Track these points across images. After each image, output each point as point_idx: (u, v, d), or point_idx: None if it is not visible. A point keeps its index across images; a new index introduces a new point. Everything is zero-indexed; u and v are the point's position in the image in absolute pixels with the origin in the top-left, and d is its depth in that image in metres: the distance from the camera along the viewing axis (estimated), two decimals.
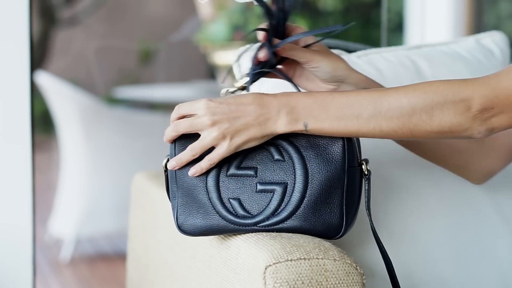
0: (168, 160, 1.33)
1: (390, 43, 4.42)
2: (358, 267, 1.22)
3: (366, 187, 1.31)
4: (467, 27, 3.96)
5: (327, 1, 7.90)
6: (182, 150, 1.30)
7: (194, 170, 1.29)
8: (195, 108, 1.26)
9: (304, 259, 1.20)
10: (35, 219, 1.94)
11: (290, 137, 1.29)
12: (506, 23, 4.86)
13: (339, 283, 1.20)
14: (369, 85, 1.35)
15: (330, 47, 1.65)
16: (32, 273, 1.93)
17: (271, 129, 1.25)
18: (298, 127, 1.25)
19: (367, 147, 1.42)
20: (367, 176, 1.31)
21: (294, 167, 1.29)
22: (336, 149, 1.29)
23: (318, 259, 1.20)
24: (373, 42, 6.78)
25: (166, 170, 1.35)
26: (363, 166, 1.31)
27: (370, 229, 1.32)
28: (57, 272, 3.93)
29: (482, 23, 4.20)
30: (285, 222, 1.28)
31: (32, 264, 1.93)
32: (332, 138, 1.28)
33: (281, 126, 1.25)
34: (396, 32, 5.21)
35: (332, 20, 7.99)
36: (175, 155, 1.31)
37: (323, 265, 1.20)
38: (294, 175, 1.28)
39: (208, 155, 1.27)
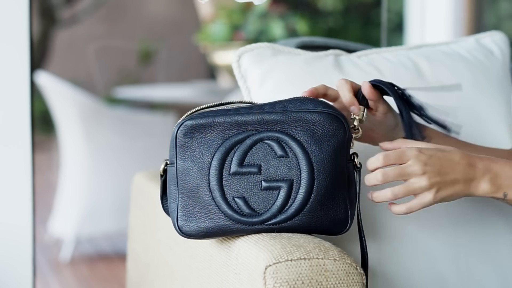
0: (166, 164, 1.33)
1: (390, 43, 4.42)
2: (358, 267, 1.22)
3: (358, 180, 1.32)
4: (467, 27, 3.96)
5: (327, 1, 7.90)
6: (184, 155, 1.30)
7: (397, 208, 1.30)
8: (406, 156, 1.27)
9: (304, 259, 1.20)
10: (35, 219, 1.94)
11: (289, 130, 1.29)
12: (506, 23, 4.86)
13: (339, 283, 1.20)
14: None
15: (330, 47, 1.65)
16: (32, 273, 1.93)
17: (473, 190, 1.29)
18: (498, 195, 1.30)
19: (367, 147, 1.42)
20: (359, 169, 1.32)
21: (299, 163, 1.28)
22: (338, 144, 1.29)
23: (318, 259, 1.20)
24: (373, 42, 6.78)
25: (163, 174, 1.34)
26: (356, 160, 1.32)
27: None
28: (57, 272, 3.93)
29: (482, 23, 4.20)
30: (293, 220, 1.28)
31: (32, 264, 1.93)
32: (331, 131, 1.29)
33: (482, 190, 1.29)
34: (396, 32, 5.21)
35: (332, 20, 7.99)
36: (176, 160, 1.30)
37: (323, 265, 1.20)
38: (300, 172, 1.28)
39: (410, 202, 1.29)
